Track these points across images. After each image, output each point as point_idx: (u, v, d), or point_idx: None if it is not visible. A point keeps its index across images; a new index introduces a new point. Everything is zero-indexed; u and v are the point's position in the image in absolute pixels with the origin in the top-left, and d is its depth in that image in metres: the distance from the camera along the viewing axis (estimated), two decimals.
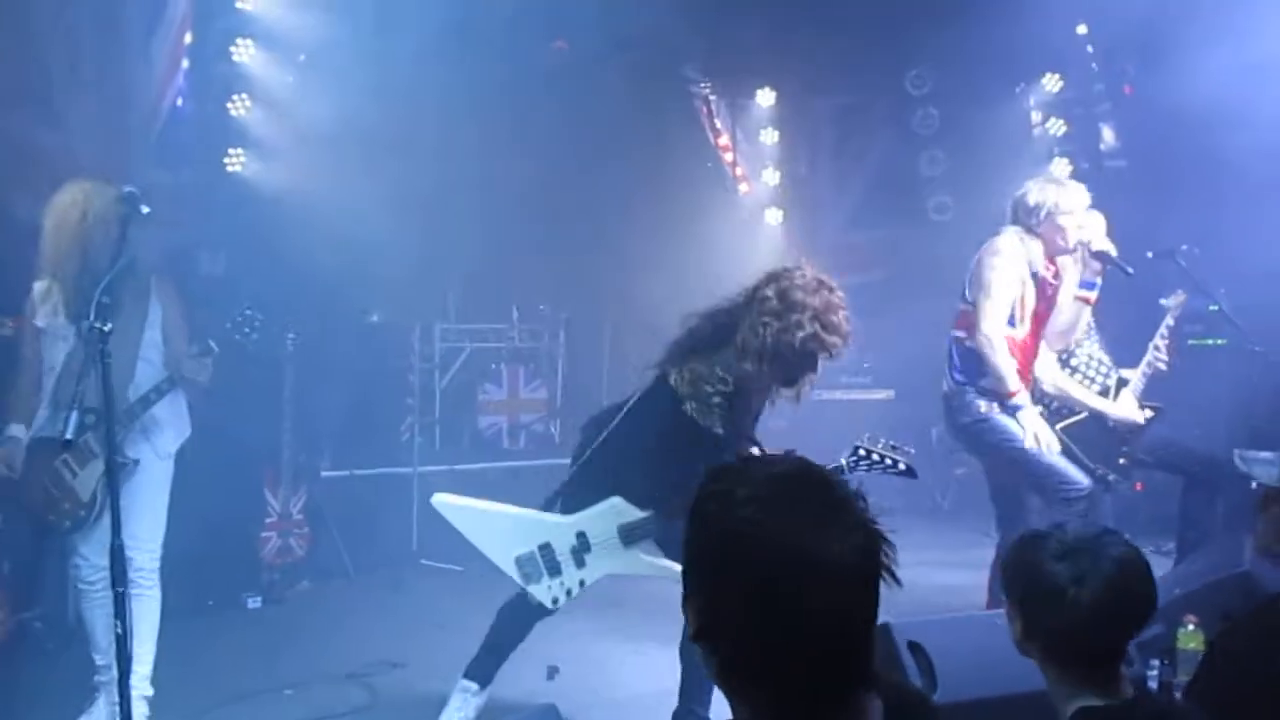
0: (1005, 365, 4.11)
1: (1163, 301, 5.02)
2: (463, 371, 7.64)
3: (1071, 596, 1.75)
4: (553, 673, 4.41)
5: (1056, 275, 4.27)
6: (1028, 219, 4.19)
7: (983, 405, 4.20)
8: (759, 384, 3.41)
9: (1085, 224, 4.22)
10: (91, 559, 3.70)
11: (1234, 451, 4.77)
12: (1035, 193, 4.20)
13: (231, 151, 6.33)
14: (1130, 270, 4.08)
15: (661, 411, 3.40)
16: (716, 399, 3.32)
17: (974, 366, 4.23)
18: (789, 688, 1.22)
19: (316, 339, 6.67)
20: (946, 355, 4.34)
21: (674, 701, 3.68)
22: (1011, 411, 4.16)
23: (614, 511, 3.45)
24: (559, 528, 3.52)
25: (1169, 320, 4.74)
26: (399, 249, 6.75)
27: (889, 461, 3.46)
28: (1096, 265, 4.12)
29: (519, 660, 4.58)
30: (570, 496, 3.63)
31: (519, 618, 3.78)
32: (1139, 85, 7.00)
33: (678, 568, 1.28)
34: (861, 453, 3.43)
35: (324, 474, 6.36)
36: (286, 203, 6.48)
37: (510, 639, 3.81)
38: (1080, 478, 4.09)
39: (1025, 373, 4.28)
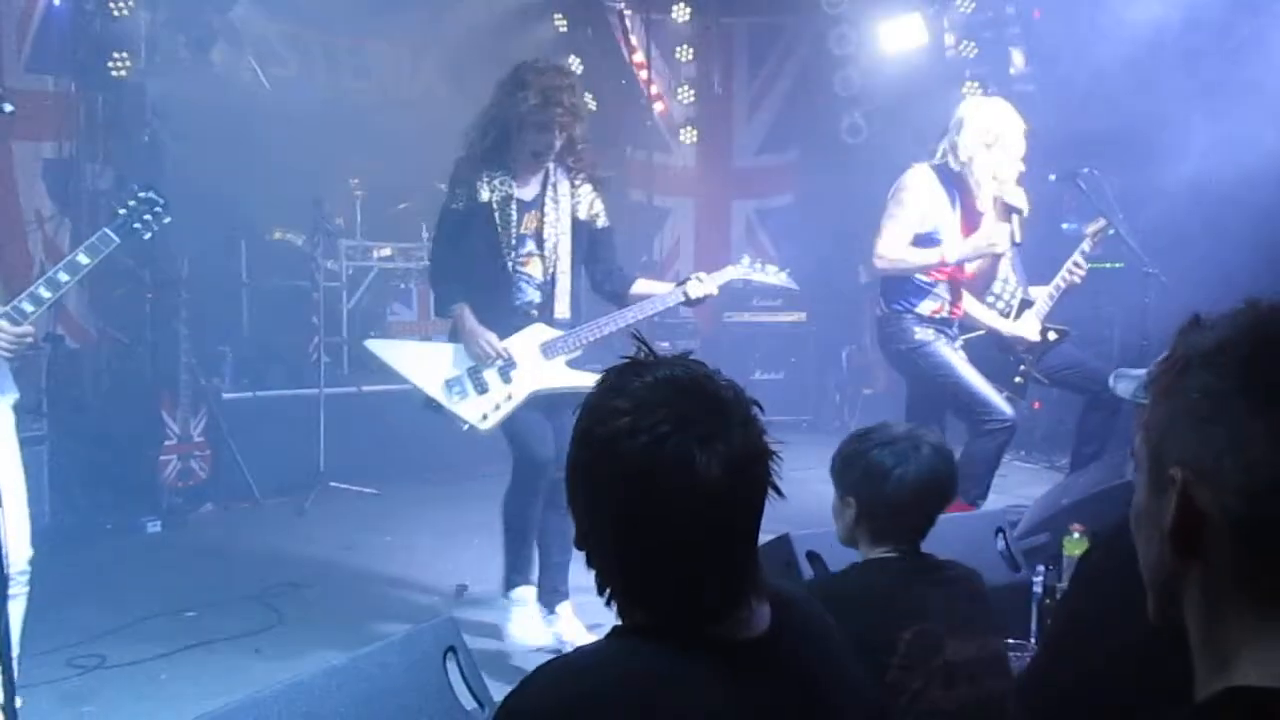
0: (910, 264, 4.16)
1: (1066, 226, 5.08)
2: (370, 291, 7.45)
3: (896, 475, 2.05)
4: (461, 591, 4.41)
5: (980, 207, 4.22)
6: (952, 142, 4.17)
7: (918, 331, 4.21)
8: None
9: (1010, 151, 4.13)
10: None
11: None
12: (958, 115, 4.15)
13: (115, 56, 5.95)
14: (1019, 240, 4.13)
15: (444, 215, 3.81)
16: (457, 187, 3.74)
17: (910, 293, 4.25)
18: (662, 600, 1.21)
19: (214, 257, 6.43)
20: (879, 281, 4.36)
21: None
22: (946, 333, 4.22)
23: (535, 331, 3.68)
24: None
25: (1085, 246, 4.77)
26: (300, 163, 6.50)
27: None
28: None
29: (427, 580, 4.60)
30: None
31: (522, 499, 3.72)
32: (1048, 8, 7.05)
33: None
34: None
35: (226, 396, 6.20)
36: (178, 114, 6.17)
37: (526, 525, 3.75)
38: (1006, 409, 4.16)
39: (958, 302, 4.32)
